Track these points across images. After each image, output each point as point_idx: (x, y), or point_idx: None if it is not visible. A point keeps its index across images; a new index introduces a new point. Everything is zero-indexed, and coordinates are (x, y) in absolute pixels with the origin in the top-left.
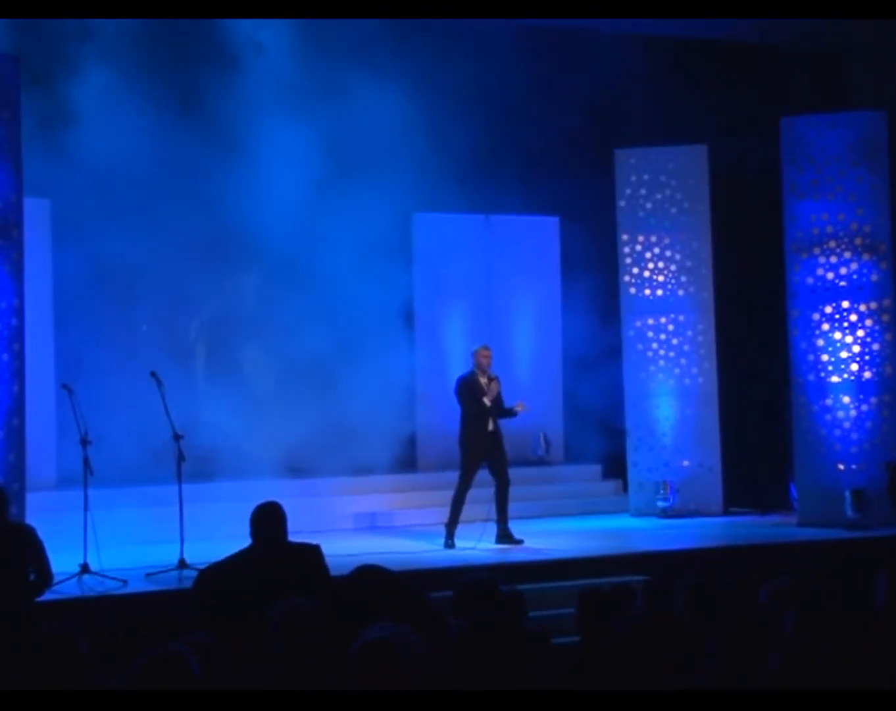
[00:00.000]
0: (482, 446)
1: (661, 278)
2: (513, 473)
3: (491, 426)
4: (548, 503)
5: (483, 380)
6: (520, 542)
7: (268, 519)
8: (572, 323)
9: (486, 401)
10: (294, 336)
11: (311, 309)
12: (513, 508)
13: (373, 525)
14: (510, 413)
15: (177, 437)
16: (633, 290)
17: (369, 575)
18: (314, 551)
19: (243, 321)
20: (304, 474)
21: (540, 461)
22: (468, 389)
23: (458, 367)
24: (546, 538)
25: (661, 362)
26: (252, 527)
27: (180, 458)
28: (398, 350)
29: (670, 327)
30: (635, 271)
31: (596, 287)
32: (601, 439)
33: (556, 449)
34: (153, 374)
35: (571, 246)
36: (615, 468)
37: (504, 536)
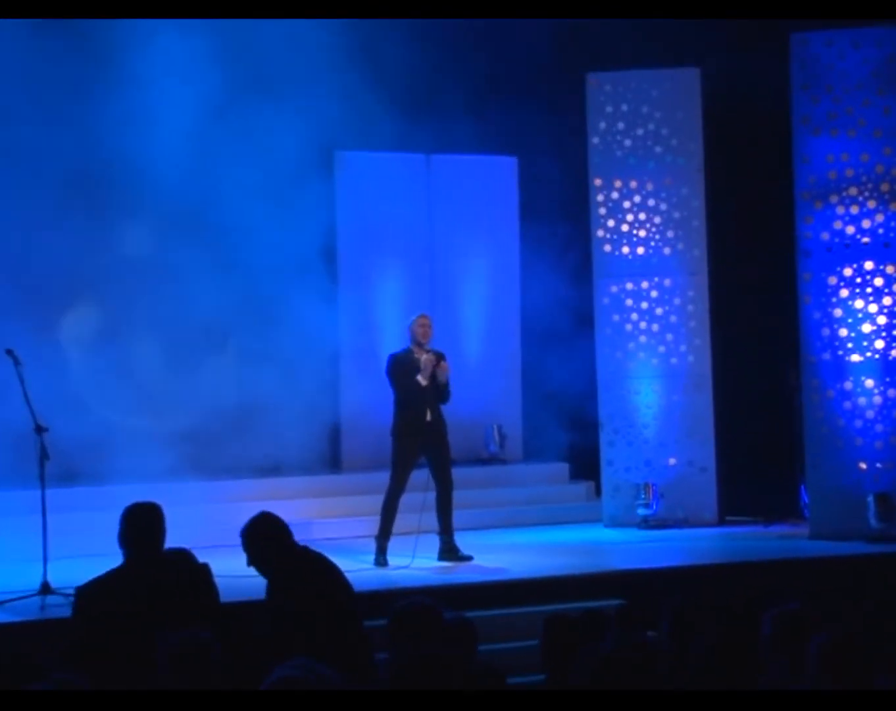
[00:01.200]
0: (418, 439)
1: (642, 233)
2: (459, 473)
3: (430, 415)
4: (502, 511)
5: (421, 356)
6: (468, 559)
7: (143, 524)
8: (533, 288)
9: (421, 380)
10: (189, 299)
11: (210, 265)
12: (459, 517)
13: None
14: (443, 396)
15: (39, 429)
16: (607, 247)
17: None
18: (202, 570)
19: (126, 281)
20: (201, 474)
21: (493, 459)
22: (400, 367)
23: (391, 341)
24: (500, 553)
25: (643, 338)
26: (123, 535)
27: (43, 455)
28: (318, 320)
29: (654, 294)
30: (611, 223)
31: (563, 244)
32: (568, 431)
33: (513, 444)
34: (9, 352)
35: (532, 193)
36: (585, 467)
37: (448, 551)
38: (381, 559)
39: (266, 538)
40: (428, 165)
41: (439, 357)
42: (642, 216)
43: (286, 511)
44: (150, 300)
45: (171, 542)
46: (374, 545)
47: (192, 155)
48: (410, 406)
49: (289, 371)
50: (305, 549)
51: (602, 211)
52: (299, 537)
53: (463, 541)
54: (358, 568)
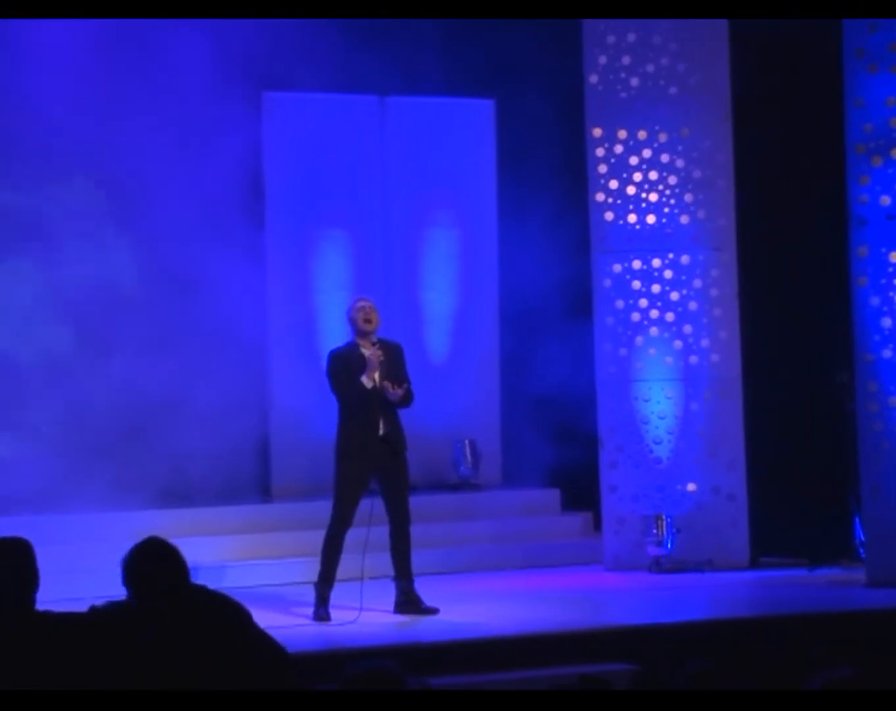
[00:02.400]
0: (368, 459)
1: (653, 197)
2: (419, 503)
3: (384, 427)
4: (476, 551)
5: (366, 352)
6: (432, 611)
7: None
8: (515, 267)
9: (365, 381)
10: (66, 263)
11: (95, 221)
12: (420, 558)
13: (203, 582)
14: (403, 401)
15: None
16: (609, 215)
17: None
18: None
19: None
20: (79, 502)
21: (463, 485)
22: (342, 366)
23: (333, 331)
24: (474, 604)
25: (654, 330)
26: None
27: None
28: (240, 303)
29: (668, 274)
30: (613, 185)
31: (552, 211)
32: (559, 449)
33: (489, 465)
34: None
35: (514, 146)
36: (581, 494)
37: (408, 602)
38: (321, 613)
39: (154, 562)
40: (382, 109)
41: (393, 350)
42: (653, 175)
43: (198, 551)
44: (11, 264)
45: (57, 588)
46: (314, 593)
47: (80, 91)
48: (357, 416)
49: (202, 364)
50: (203, 589)
51: (602, 169)
52: (214, 583)
53: (426, 589)
54: (293, 623)
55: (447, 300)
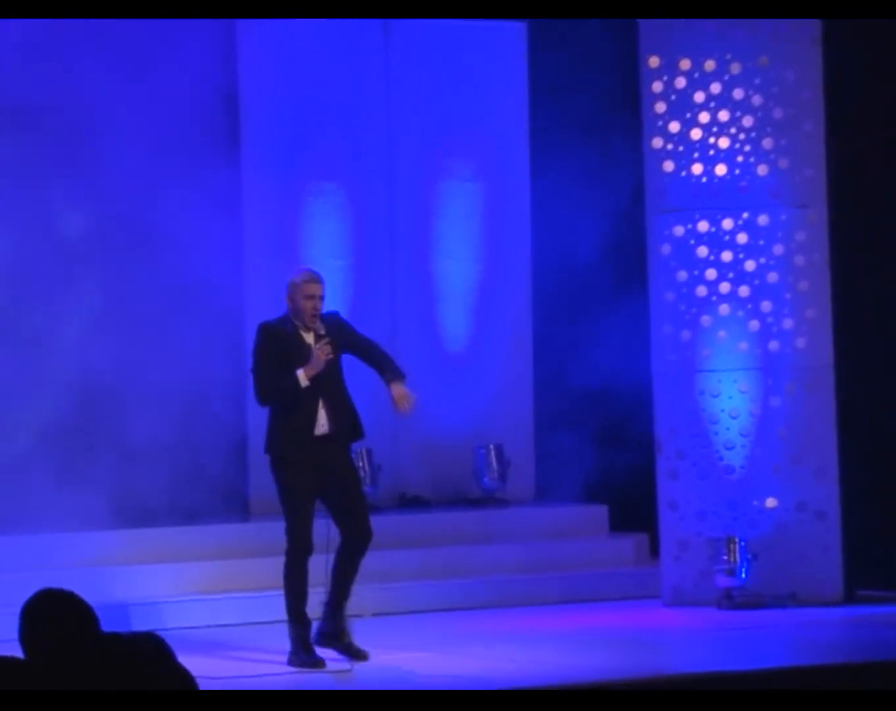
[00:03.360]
0: (310, 466)
1: (723, 143)
2: (435, 522)
3: (325, 426)
4: (504, 581)
5: (308, 338)
6: (361, 657)
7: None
8: (551, 229)
9: (303, 377)
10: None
11: (37, 158)
12: (436, 590)
13: (162, 620)
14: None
15: None
16: (668, 165)
17: None
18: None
19: None
20: (5, 522)
21: (487, 500)
22: (275, 350)
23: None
24: (500, 646)
25: (724, 308)
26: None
27: None
28: (212, 265)
29: (742, 239)
30: (674, 127)
31: (598, 161)
32: (606, 455)
33: (520, 475)
34: None
35: (550, 78)
36: (634, 512)
37: (337, 636)
38: (305, 658)
39: (47, 618)
40: (386, 36)
41: (338, 328)
42: (723, 116)
43: (157, 582)
44: None
45: None
46: (288, 637)
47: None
48: (290, 416)
49: (163, 340)
50: (113, 638)
51: (660, 108)
52: (178, 621)
53: (442, 628)
54: (276, 672)
55: (467, 271)
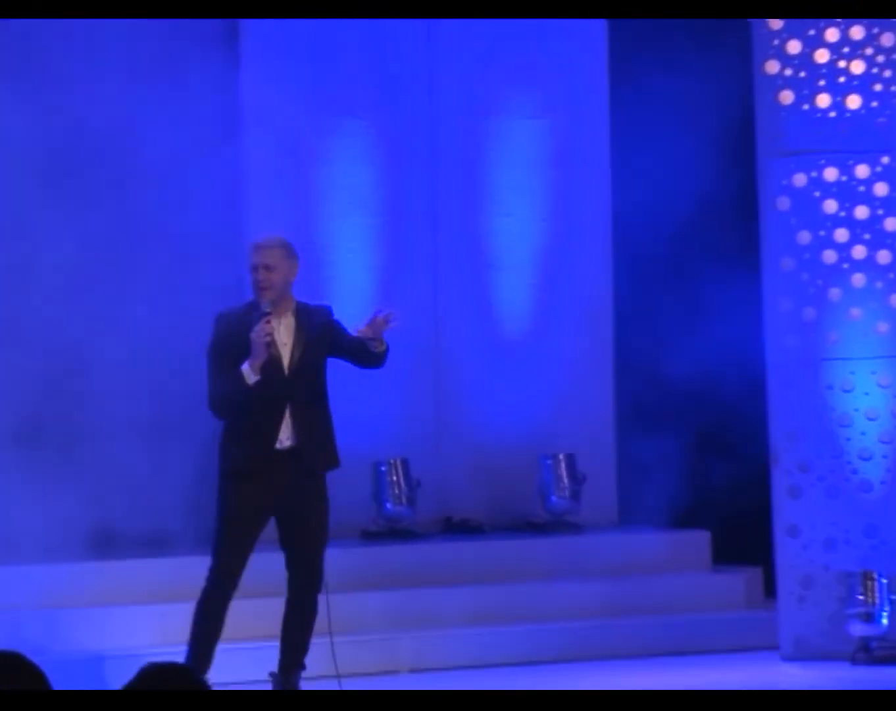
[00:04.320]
0: (264, 481)
1: (856, 68)
2: (487, 551)
3: (291, 437)
4: (579, 628)
5: (278, 328)
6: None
7: None
8: (637, 178)
9: (248, 373)
10: None
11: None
12: (489, 638)
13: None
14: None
15: None
16: (786, 96)
17: None
18: None
19: None
20: None
21: (556, 525)
22: (227, 338)
23: (343, 270)
24: None
25: (859, 278)
26: None
27: None
28: (211, 252)
29: (880, 190)
30: (793, 48)
31: (694, 88)
32: (708, 467)
33: (598, 493)
34: None
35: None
36: (744, 539)
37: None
38: None
39: None
40: (428, 38)
41: (320, 323)
42: (856, 33)
43: (122, 627)
44: None
45: None
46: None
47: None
48: (238, 424)
49: (131, 310)
50: None
51: (775, 23)
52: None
53: (498, 686)
54: None
55: (529, 232)
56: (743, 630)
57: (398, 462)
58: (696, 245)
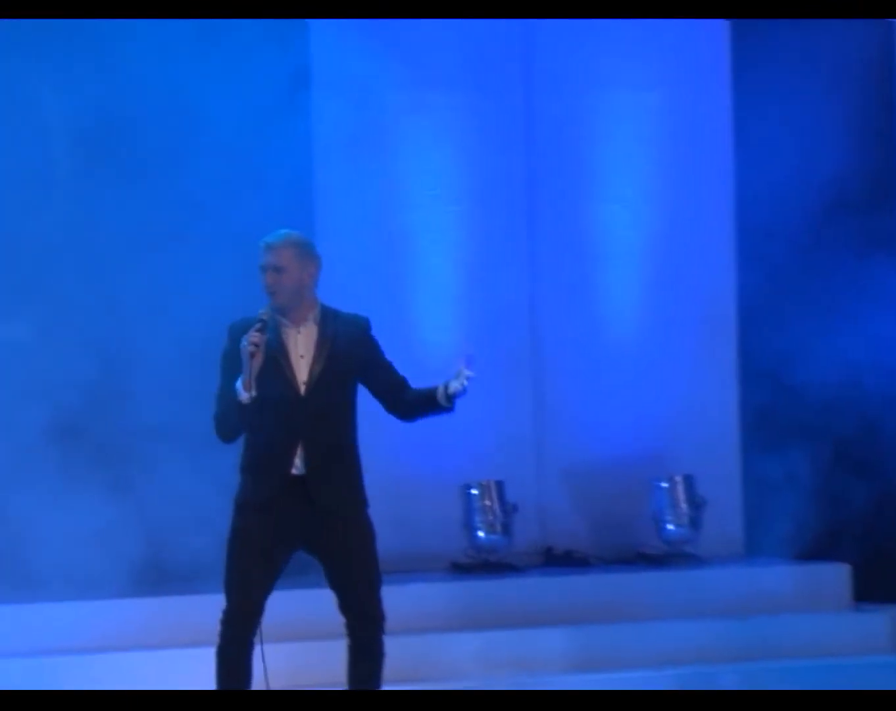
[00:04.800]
0: (275, 512)
1: None
2: (604, 584)
3: (304, 461)
4: (697, 674)
5: (296, 339)
6: None
7: None
8: (764, 153)
9: (244, 392)
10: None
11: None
12: (599, 681)
13: None
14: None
15: None
16: None
17: None
18: None
19: None
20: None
21: (672, 556)
22: (229, 365)
23: (430, 263)
24: None
25: None
26: None
27: None
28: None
29: None
30: None
31: (833, 44)
32: (848, 489)
33: (721, 520)
34: None
35: None
36: (891, 573)
37: None
38: None
39: None
40: (527, 40)
41: (350, 335)
42: None
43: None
44: None
45: None
46: None
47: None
48: (258, 437)
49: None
50: None
51: None
52: None
53: None
54: None
55: (641, 220)
56: (889, 676)
57: (491, 485)
58: (831, 234)
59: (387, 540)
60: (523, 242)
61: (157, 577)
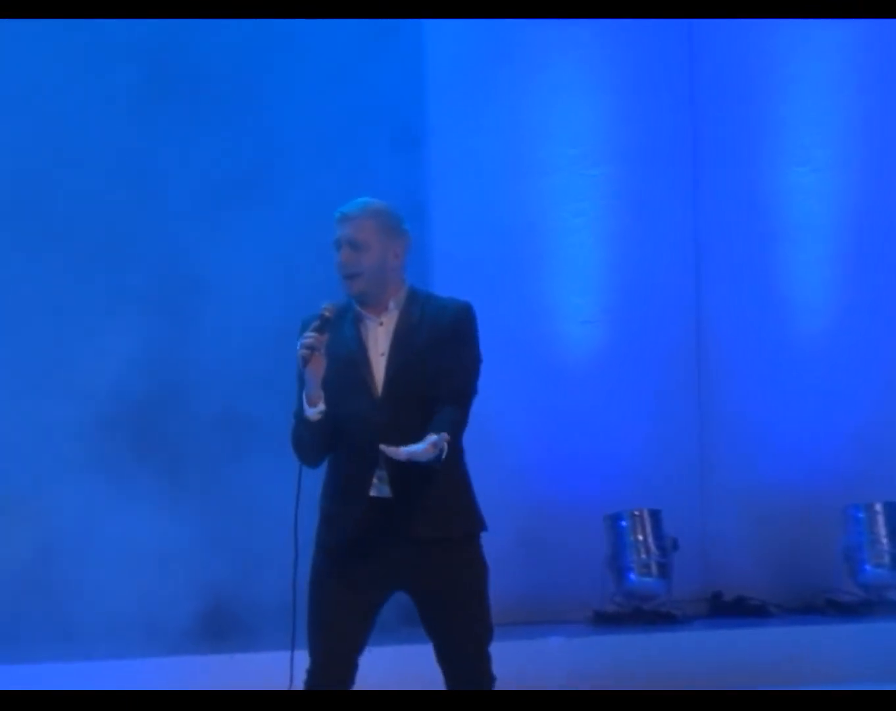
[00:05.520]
0: (357, 549)
1: None
2: (787, 638)
3: (387, 484)
4: None
5: (376, 332)
6: None
7: None
8: None
9: (309, 407)
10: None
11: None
12: None
13: None
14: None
15: None
16: None
17: None
18: None
19: None
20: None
21: (870, 605)
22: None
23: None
24: None
25: None
26: None
27: None
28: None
29: None
30: None
31: None
32: None
33: None
34: None
35: None
36: None
37: None
38: None
39: None
40: (690, 38)
41: (440, 326)
42: None
43: None
44: None
45: None
46: None
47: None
48: (338, 458)
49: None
50: None
51: None
52: None
53: None
54: None
55: (834, 189)
56: None
57: (645, 515)
58: None
59: (513, 582)
60: (686, 215)
61: (216, 628)
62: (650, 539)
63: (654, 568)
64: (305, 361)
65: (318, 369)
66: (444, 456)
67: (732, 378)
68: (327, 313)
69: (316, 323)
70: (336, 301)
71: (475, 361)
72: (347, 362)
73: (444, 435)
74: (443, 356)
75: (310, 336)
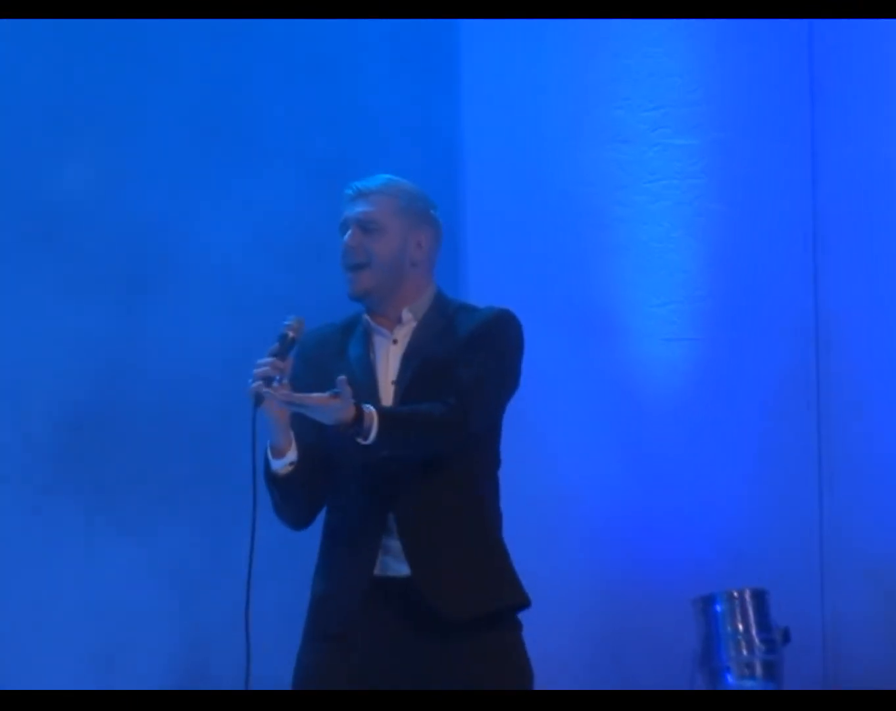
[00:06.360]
0: (341, 651)
1: None
2: None
3: (395, 562)
4: None
5: (388, 349)
6: None
7: None
8: None
9: (279, 462)
10: None
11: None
12: None
13: None
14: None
15: None
16: None
17: None
18: None
19: None
20: None
21: None
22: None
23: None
24: None
25: None
26: None
27: None
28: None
29: None
30: None
31: None
32: None
33: None
34: None
35: None
36: None
37: None
38: None
39: None
40: (810, 39)
41: (468, 331)
42: None
43: None
44: None
45: None
46: None
47: None
48: (334, 520)
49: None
50: None
51: None
52: None
53: None
54: None
55: None
56: None
57: (747, 597)
58: None
59: (573, 684)
60: (805, 196)
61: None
62: (753, 630)
63: (758, 668)
64: (259, 399)
65: (276, 413)
66: (370, 438)
67: (862, 416)
68: (291, 333)
69: (275, 346)
70: (322, 324)
71: (500, 374)
72: (363, 387)
73: (371, 408)
74: (456, 366)
75: (264, 363)
